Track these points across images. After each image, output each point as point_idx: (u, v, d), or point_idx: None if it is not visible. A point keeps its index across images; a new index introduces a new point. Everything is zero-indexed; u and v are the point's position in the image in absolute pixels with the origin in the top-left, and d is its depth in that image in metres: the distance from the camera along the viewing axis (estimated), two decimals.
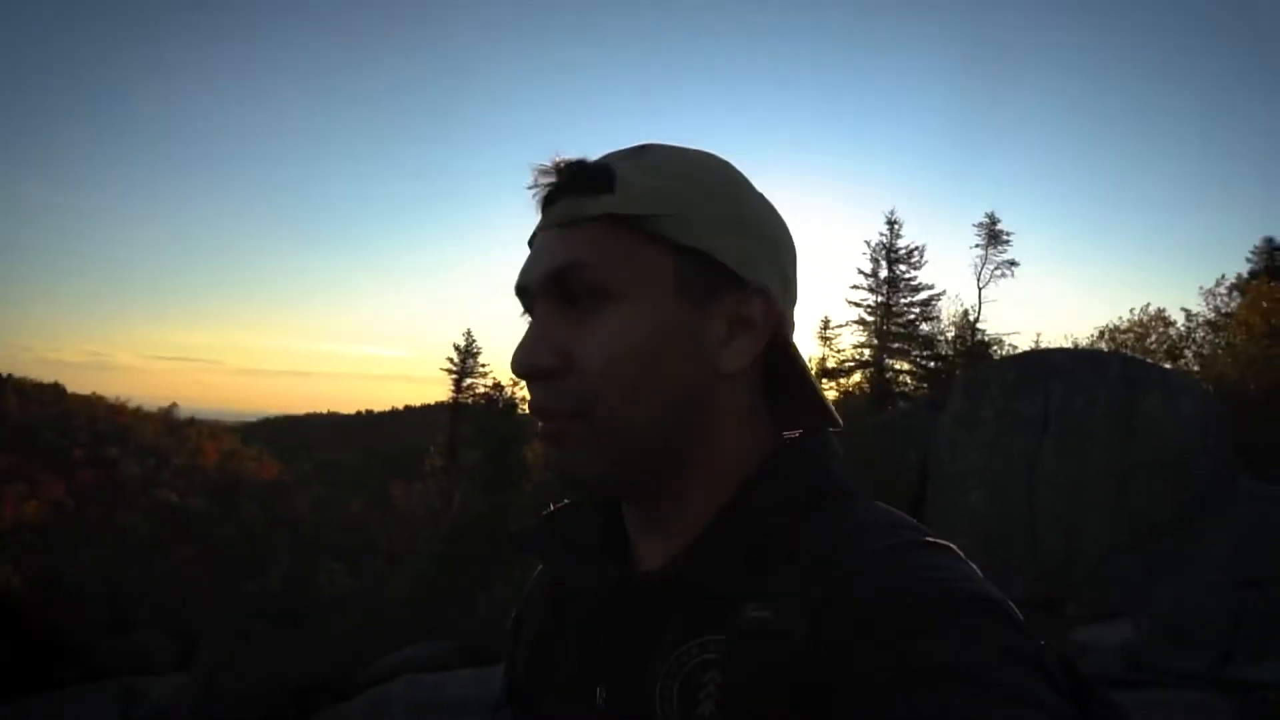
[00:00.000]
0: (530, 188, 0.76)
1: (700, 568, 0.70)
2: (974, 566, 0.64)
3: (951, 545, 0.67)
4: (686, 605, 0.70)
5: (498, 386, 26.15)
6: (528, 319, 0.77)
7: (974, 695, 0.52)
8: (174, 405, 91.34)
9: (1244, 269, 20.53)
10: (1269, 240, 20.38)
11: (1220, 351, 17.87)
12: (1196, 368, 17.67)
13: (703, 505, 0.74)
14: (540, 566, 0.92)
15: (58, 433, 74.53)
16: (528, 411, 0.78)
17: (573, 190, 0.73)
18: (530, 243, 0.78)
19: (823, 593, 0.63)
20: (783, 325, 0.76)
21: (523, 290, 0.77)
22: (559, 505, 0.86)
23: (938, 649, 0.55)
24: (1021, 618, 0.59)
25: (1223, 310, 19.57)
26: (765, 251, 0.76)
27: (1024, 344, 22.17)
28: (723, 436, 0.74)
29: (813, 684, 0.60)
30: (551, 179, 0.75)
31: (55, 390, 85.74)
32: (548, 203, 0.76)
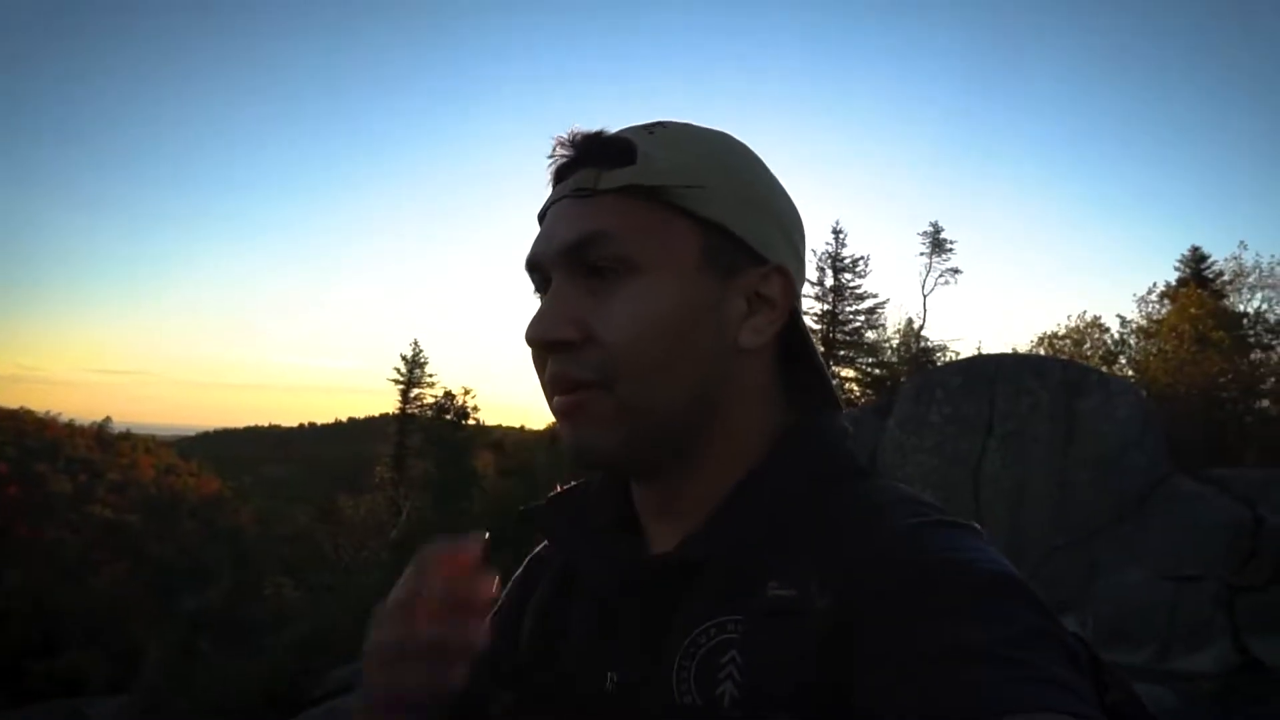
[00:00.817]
0: (549, 158, 0.75)
1: (717, 546, 0.69)
2: (995, 548, 0.64)
3: (975, 525, 0.66)
4: (703, 585, 0.68)
5: (448, 396, 25.89)
6: (538, 297, 0.75)
7: (1000, 675, 0.51)
8: (108, 419, 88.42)
9: (1174, 277, 21.27)
10: (1195, 249, 21.18)
11: (1152, 357, 18.50)
12: (1131, 372, 18.26)
13: (718, 483, 0.73)
14: (540, 545, 0.91)
15: None
16: (545, 384, 0.74)
17: (592, 161, 0.72)
18: (541, 216, 0.77)
19: (845, 570, 0.63)
20: (797, 304, 0.77)
21: (535, 264, 0.75)
22: (566, 486, 0.85)
23: (964, 629, 0.54)
24: (1045, 600, 0.59)
25: (1154, 317, 20.25)
26: (781, 231, 0.76)
27: (967, 350, 22.72)
28: (739, 413, 0.74)
29: (836, 662, 0.59)
30: (569, 150, 0.74)
31: None
32: (563, 175, 0.74)
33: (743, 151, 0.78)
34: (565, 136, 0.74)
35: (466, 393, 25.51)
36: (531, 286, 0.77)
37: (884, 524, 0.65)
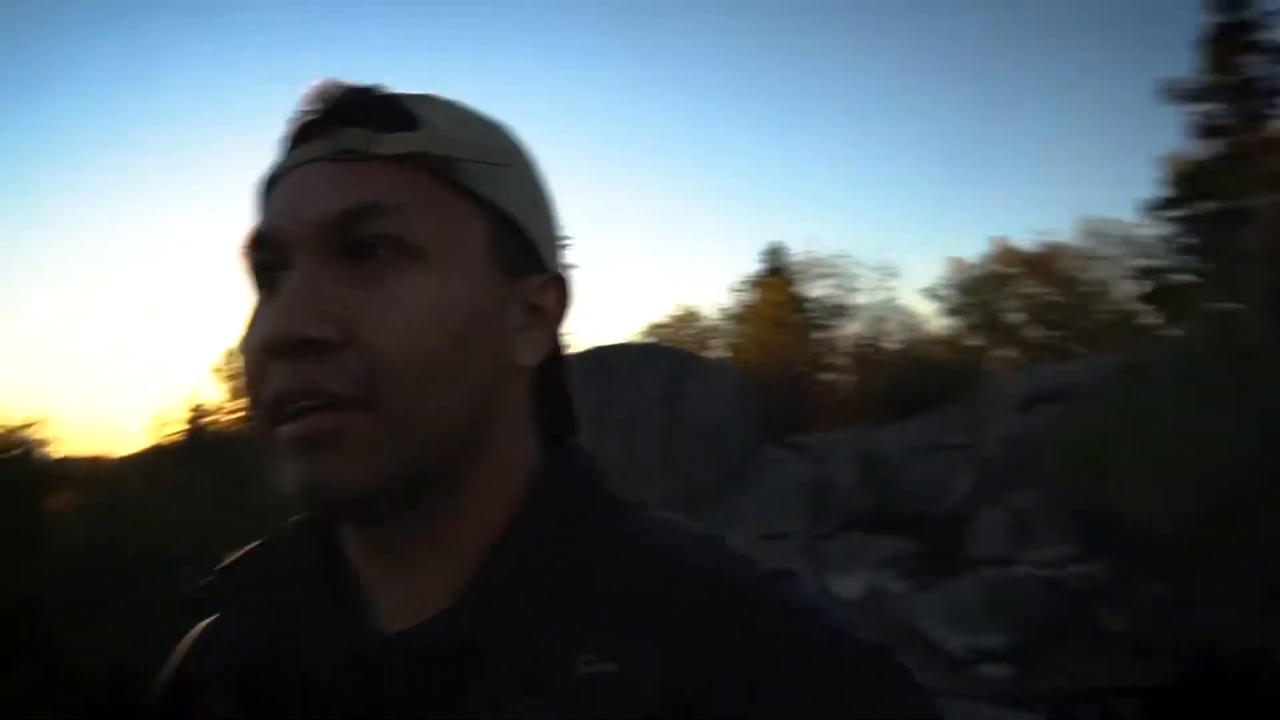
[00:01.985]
0: (302, 113, 0.59)
1: (491, 618, 0.55)
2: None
3: (795, 571, 0.60)
4: (476, 665, 0.54)
5: None
6: (260, 289, 0.58)
7: None
8: None
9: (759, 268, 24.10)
10: (773, 243, 24.22)
11: (745, 340, 20.90)
12: (730, 354, 20.48)
13: (477, 528, 0.58)
14: (196, 632, 0.70)
15: None
16: (268, 401, 0.55)
17: (360, 120, 0.57)
18: (270, 182, 0.60)
19: (679, 631, 0.53)
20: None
21: (268, 240, 0.57)
22: (243, 550, 0.67)
23: (834, 710, 0.49)
24: (910, 669, 0.55)
25: (745, 305, 22.85)
26: (557, 240, 0.66)
27: (583, 344, 24.03)
28: (504, 442, 0.60)
29: None
30: (326, 105, 0.59)
31: None
32: (314, 134, 0.59)
33: (522, 144, 0.66)
34: (320, 87, 0.59)
35: None
36: (250, 272, 0.59)
37: (719, 577, 0.56)
